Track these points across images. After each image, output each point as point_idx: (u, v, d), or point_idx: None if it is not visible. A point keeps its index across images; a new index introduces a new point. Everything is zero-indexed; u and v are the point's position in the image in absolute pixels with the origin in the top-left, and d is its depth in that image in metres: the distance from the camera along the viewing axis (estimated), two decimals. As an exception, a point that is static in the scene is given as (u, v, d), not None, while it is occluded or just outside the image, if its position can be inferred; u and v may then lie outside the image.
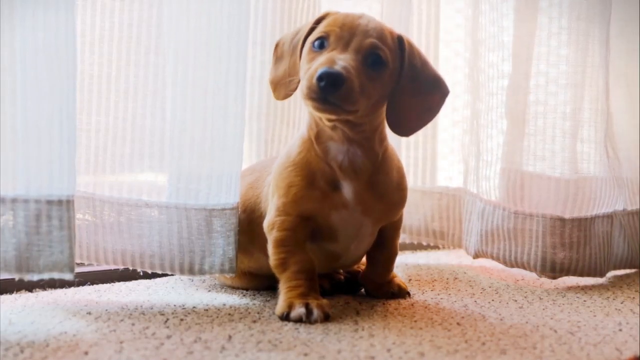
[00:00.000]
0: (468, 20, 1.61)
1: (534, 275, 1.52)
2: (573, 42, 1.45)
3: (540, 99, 1.47)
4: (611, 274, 1.54)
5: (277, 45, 1.20)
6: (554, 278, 1.45)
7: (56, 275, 1.07)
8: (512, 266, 1.49)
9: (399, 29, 1.49)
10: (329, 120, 1.11)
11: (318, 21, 1.14)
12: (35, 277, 1.06)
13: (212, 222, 1.21)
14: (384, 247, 1.26)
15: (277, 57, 1.20)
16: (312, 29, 1.13)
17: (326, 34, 1.09)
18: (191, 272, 1.22)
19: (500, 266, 1.60)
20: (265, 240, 1.19)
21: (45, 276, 1.06)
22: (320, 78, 1.02)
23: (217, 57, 1.20)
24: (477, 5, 1.54)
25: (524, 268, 1.47)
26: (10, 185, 1.05)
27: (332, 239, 1.18)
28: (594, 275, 1.46)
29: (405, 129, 1.17)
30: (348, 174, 1.15)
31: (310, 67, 1.07)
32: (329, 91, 1.03)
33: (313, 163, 1.15)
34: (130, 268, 1.24)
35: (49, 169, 1.06)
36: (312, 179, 1.14)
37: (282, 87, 1.16)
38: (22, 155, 1.05)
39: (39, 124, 1.05)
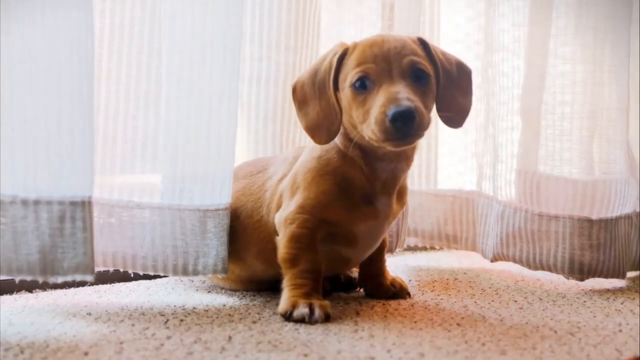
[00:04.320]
0: (481, 29, 1.61)
1: (535, 275, 1.52)
2: (591, 43, 1.45)
3: (565, 100, 1.46)
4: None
5: (294, 89, 1.18)
6: (582, 280, 1.44)
7: (79, 277, 1.06)
8: (536, 269, 1.47)
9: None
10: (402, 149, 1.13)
11: (340, 58, 1.13)
12: (59, 280, 1.05)
13: (206, 222, 1.21)
14: None
15: (300, 101, 1.17)
16: (337, 66, 1.13)
17: (365, 74, 1.09)
18: (185, 273, 1.22)
19: (500, 266, 1.60)
20: (263, 246, 1.20)
21: (69, 278, 1.06)
22: (395, 120, 1.03)
23: (210, 59, 1.20)
24: (489, 12, 1.54)
25: (550, 270, 1.45)
26: (33, 187, 1.04)
27: (349, 245, 1.19)
28: (617, 276, 1.44)
29: (458, 121, 1.19)
30: (388, 189, 1.17)
31: (371, 110, 1.07)
32: (406, 129, 1.04)
33: (353, 178, 1.16)
34: (122, 270, 1.23)
35: (71, 169, 1.05)
36: (348, 191, 1.15)
37: (322, 130, 1.14)
38: (44, 156, 1.04)
39: (60, 124, 1.05)
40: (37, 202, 1.04)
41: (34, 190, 1.04)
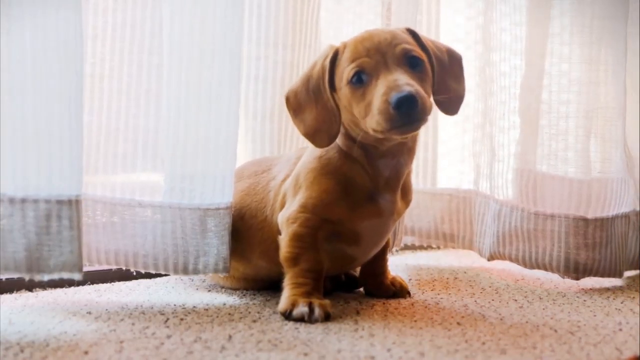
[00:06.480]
0: (479, 28, 1.61)
1: (535, 274, 1.52)
2: (588, 42, 1.45)
3: (562, 99, 1.46)
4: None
5: (288, 99, 1.17)
6: (577, 279, 1.43)
7: (66, 275, 1.07)
8: (532, 267, 1.47)
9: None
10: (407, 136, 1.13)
11: (333, 59, 1.13)
12: (45, 277, 1.06)
13: (206, 221, 1.21)
14: None
15: (294, 109, 1.17)
16: (331, 68, 1.13)
17: (360, 68, 1.09)
18: (185, 271, 1.22)
19: (500, 266, 1.60)
20: (267, 246, 1.21)
21: (55, 276, 1.06)
22: (399, 106, 1.02)
23: (211, 57, 1.19)
24: (488, 12, 1.54)
25: (545, 269, 1.45)
26: (20, 185, 1.04)
27: (354, 243, 1.19)
28: (614, 275, 1.44)
29: (454, 107, 1.19)
30: (391, 186, 1.17)
31: (372, 102, 1.06)
32: (410, 114, 1.03)
33: (355, 176, 1.16)
34: (124, 268, 1.23)
35: (59, 168, 1.06)
36: (350, 190, 1.15)
37: (322, 134, 1.14)
38: (32, 155, 1.05)
39: (48, 124, 1.05)
40: (23, 201, 1.05)
41: (21, 189, 1.05)
